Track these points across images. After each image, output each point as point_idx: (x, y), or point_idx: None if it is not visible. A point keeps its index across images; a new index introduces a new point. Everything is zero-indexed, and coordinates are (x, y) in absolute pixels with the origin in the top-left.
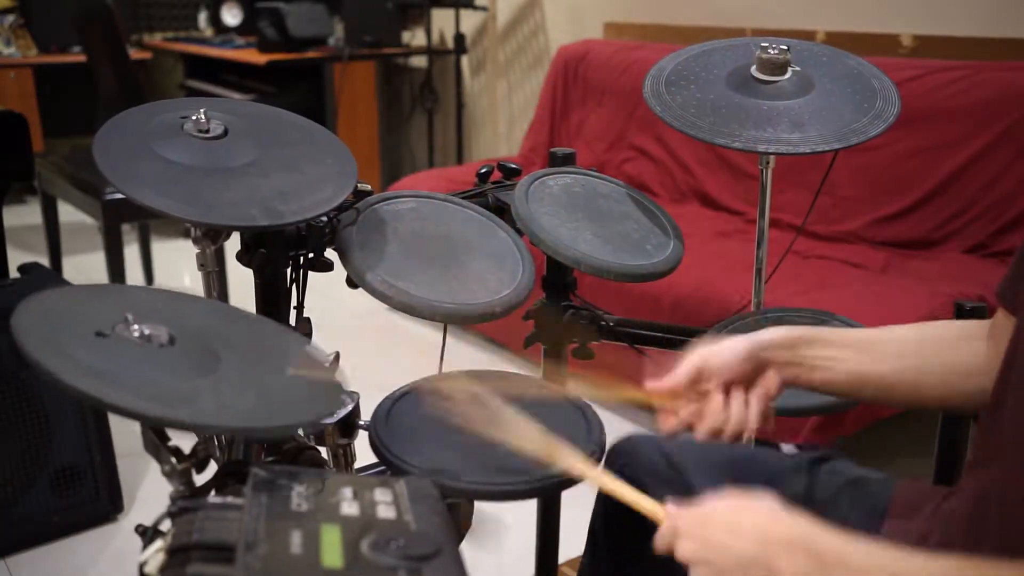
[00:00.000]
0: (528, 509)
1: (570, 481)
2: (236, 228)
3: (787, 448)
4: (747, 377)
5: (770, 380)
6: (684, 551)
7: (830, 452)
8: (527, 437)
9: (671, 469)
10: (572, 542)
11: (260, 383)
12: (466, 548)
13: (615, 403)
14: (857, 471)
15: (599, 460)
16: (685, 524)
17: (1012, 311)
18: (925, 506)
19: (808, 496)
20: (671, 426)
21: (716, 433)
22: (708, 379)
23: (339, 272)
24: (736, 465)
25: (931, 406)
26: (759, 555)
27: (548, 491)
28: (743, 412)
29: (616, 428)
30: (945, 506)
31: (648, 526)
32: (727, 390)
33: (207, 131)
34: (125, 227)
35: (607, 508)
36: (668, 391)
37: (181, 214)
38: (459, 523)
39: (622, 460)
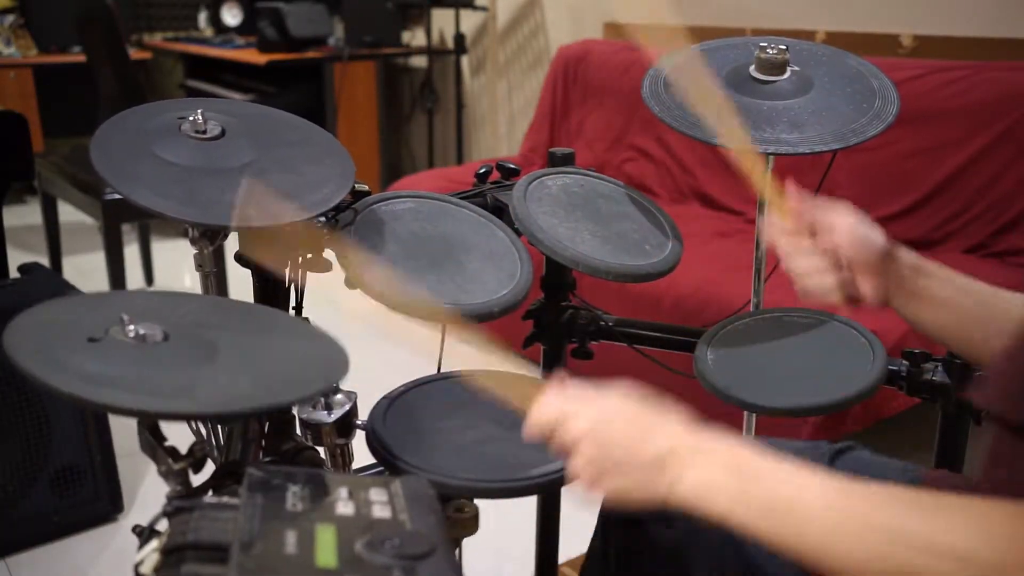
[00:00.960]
0: (528, 509)
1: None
2: (233, 229)
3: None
4: (869, 267)
5: (867, 284)
6: (580, 448)
7: (851, 443)
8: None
9: None
10: (572, 542)
11: (257, 366)
12: (466, 548)
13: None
14: (879, 460)
15: None
16: (586, 419)
17: None
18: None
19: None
20: (774, 232)
21: (800, 274)
22: (835, 239)
23: (338, 272)
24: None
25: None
26: (671, 455)
27: (548, 488)
28: (833, 284)
29: None
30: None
31: (656, 513)
32: (838, 261)
33: (204, 132)
34: (125, 227)
35: (606, 536)
36: (798, 216)
37: (179, 215)
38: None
39: None
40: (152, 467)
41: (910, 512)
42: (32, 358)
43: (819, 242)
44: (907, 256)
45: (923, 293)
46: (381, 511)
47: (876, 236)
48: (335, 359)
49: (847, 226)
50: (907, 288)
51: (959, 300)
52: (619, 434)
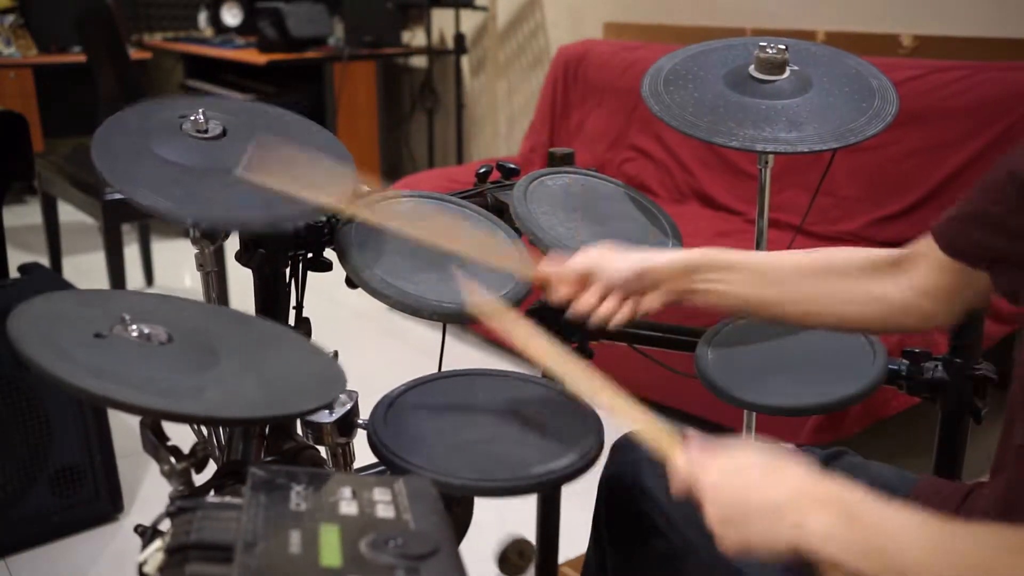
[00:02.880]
0: (528, 509)
1: (568, 476)
2: (236, 228)
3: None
4: (632, 291)
5: (652, 299)
6: (708, 487)
7: (843, 449)
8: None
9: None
10: (572, 542)
11: (261, 375)
12: (466, 548)
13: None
14: (871, 466)
15: (596, 458)
16: (715, 471)
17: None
18: (946, 504)
19: None
20: (555, 299)
21: (580, 314)
22: (596, 279)
23: (338, 272)
24: None
25: (820, 327)
26: (791, 504)
27: (547, 487)
28: (613, 311)
29: (615, 427)
30: (965, 506)
31: (651, 524)
32: (607, 291)
33: (205, 131)
34: (125, 227)
35: (609, 504)
36: (556, 275)
37: (179, 214)
38: (458, 523)
39: (624, 457)
40: (152, 467)
41: (1009, 554)
42: (39, 349)
43: (584, 283)
44: (676, 263)
45: (706, 285)
46: (385, 511)
47: (625, 261)
48: (331, 375)
49: (596, 266)
50: (688, 291)
51: (759, 270)
52: (741, 485)
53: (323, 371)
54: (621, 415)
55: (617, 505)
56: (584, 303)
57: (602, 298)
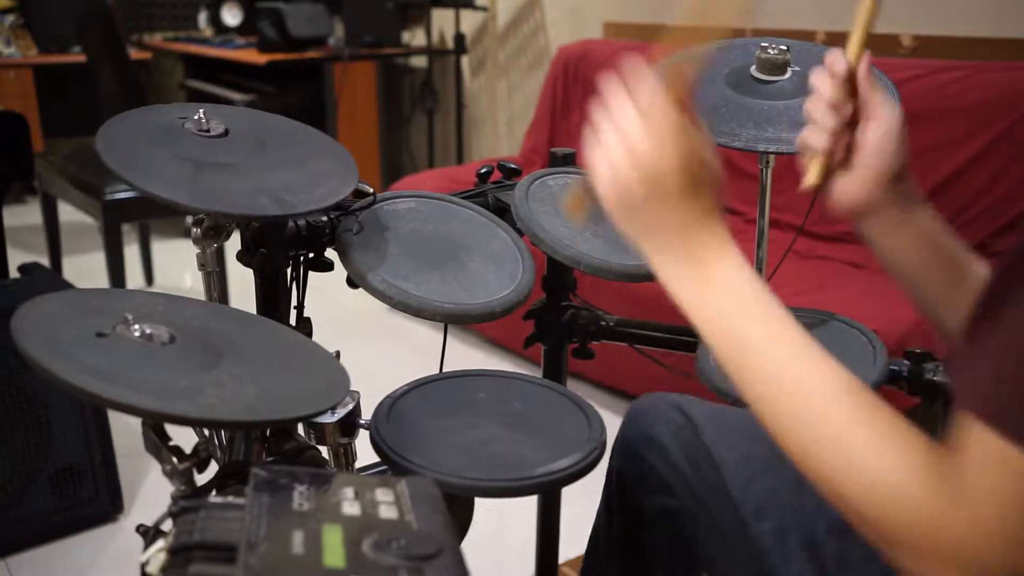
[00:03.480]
0: (528, 508)
1: (570, 477)
2: (247, 218)
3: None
4: (874, 165)
5: (862, 185)
6: (613, 150)
7: None
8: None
9: (689, 429)
10: (572, 542)
11: (262, 378)
12: (466, 548)
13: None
14: None
15: (599, 459)
16: (639, 136)
17: None
18: None
19: None
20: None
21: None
22: (866, 127)
23: (339, 272)
24: (754, 429)
25: (929, 316)
26: (674, 234)
27: (548, 487)
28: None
29: (616, 427)
30: None
31: (664, 484)
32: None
33: (208, 131)
34: (125, 227)
35: (623, 463)
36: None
37: (192, 204)
38: (458, 523)
39: (640, 419)
40: (152, 467)
41: (849, 412)
42: (41, 348)
43: (851, 125)
44: (909, 185)
45: (904, 231)
46: (387, 511)
47: (899, 158)
48: (336, 378)
49: (879, 129)
50: (889, 221)
51: (932, 251)
52: (661, 185)
53: (327, 375)
54: None
55: (631, 464)
56: (829, 120)
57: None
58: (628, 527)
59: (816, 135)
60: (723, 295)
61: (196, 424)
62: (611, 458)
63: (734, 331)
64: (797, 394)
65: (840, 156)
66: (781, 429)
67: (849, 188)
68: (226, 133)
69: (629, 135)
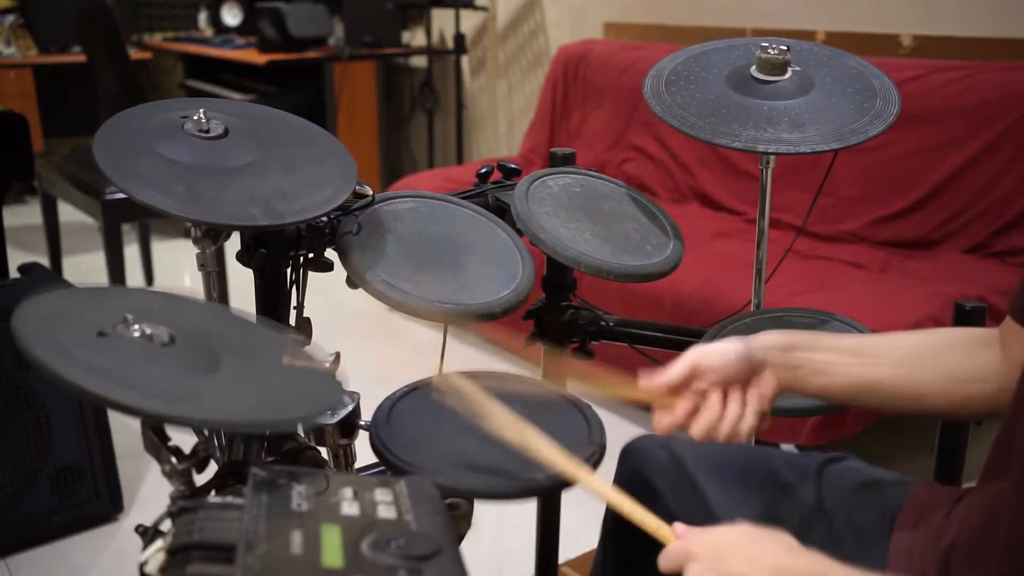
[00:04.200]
0: (528, 509)
1: (570, 482)
2: (236, 228)
3: (786, 449)
4: (742, 378)
5: (766, 382)
6: (695, 574)
7: (842, 453)
8: (522, 437)
9: (680, 471)
10: (572, 542)
11: (261, 381)
12: (466, 548)
13: (612, 400)
14: (869, 472)
15: (599, 462)
16: (699, 546)
17: None
18: (938, 509)
19: (818, 498)
20: (666, 424)
21: (711, 433)
22: (702, 378)
23: (339, 272)
24: (746, 467)
25: (932, 413)
26: None
27: (548, 491)
28: (739, 412)
29: (617, 429)
30: (957, 510)
31: (649, 571)
32: (724, 391)
33: (207, 131)
34: (125, 227)
35: (606, 545)
36: (663, 388)
37: (182, 212)
38: (458, 523)
39: (633, 462)
40: (152, 467)
41: None
42: (43, 347)
43: (694, 394)
44: (774, 340)
45: (813, 365)
46: (386, 511)
47: (728, 348)
48: (330, 387)
49: (698, 362)
50: (794, 368)
51: (862, 351)
52: (731, 557)
53: (324, 381)
54: (609, 501)
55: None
56: (708, 414)
57: (722, 404)
58: (624, 568)
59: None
60: None
61: (196, 426)
62: (607, 506)
63: None
64: None
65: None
66: None
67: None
68: (226, 133)
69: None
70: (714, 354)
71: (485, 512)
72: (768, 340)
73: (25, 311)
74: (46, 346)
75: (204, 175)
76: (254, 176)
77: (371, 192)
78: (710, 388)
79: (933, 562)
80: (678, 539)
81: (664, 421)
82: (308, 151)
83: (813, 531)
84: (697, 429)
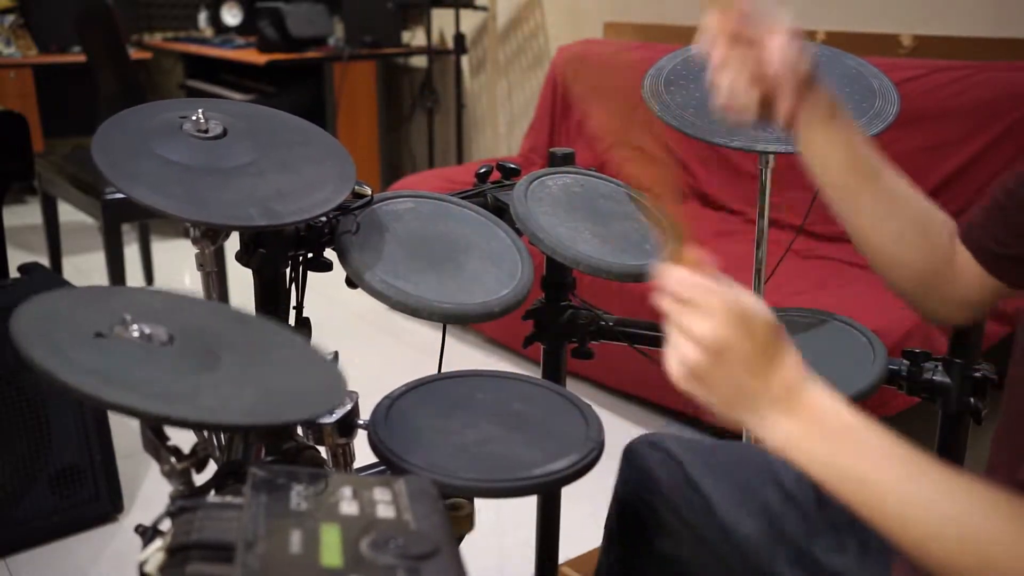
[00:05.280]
0: (528, 508)
1: (568, 478)
2: (234, 228)
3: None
4: (784, 77)
5: (781, 106)
6: (696, 330)
7: None
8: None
9: (681, 472)
10: (572, 542)
11: (261, 379)
12: (466, 548)
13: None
14: None
15: (596, 459)
16: (717, 309)
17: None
18: None
19: (820, 498)
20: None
21: (722, 69)
22: (763, 46)
23: (338, 272)
24: (746, 466)
25: (857, 242)
26: (766, 402)
27: (548, 488)
28: (748, 85)
29: (616, 427)
30: None
31: (666, 532)
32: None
33: (206, 131)
34: (125, 227)
35: (624, 511)
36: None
37: (179, 213)
38: (461, 524)
39: (636, 461)
40: (152, 467)
41: (996, 516)
42: (39, 348)
43: (751, 54)
44: (831, 96)
45: (833, 135)
46: (385, 511)
47: (804, 59)
48: (333, 383)
49: (779, 42)
50: (819, 123)
51: (859, 165)
52: (735, 359)
53: (324, 378)
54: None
55: (632, 511)
56: (734, 70)
57: (751, 78)
58: (630, 561)
59: (733, 86)
60: (825, 436)
61: (195, 427)
62: (611, 507)
63: (848, 470)
64: (927, 511)
65: (754, 72)
66: (922, 549)
67: (768, 108)
68: (224, 133)
69: (693, 331)
70: (794, 55)
71: (485, 511)
72: (829, 93)
73: (22, 314)
74: (42, 348)
75: (202, 175)
76: (252, 176)
77: (370, 192)
78: (758, 62)
79: None
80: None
81: (714, 38)
82: (306, 151)
83: (818, 534)
84: (728, 75)
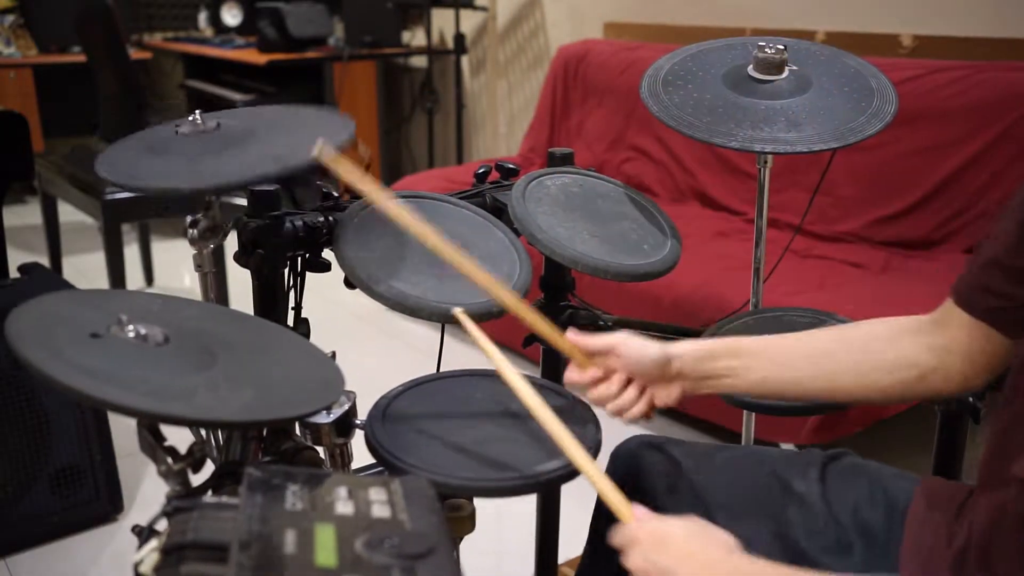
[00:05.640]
0: (528, 508)
1: (565, 477)
2: (248, 184)
3: (786, 448)
4: (651, 378)
5: (670, 391)
6: (632, 561)
7: (842, 450)
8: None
9: (676, 473)
10: (572, 542)
11: (256, 378)
12: (466, 548)
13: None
14: (873, 468)
15: (595, 457)
16: (643, 533)
17: (992, 323)
18: (948, 506)
19: (823, 499)
20: (573, 380)
21: (601, 403)
22: (617, 360)
23: (337, 272)
24: (746, 467)
25: (850, 402)
26: None
27: (547, 487)
28: (632, 400)
29: (613, 427)
30: (965, 512)
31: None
32: (629, 378)
33: (202, 132)
34: (125, 227)
35: (607, 512)
36: (582, 347)
37: (189, 186)
38: (463, 524)
39: (625, 463)
40: (152, 467)
41: None
42: (34, 348)
43: (606, 368)
44: (691, 350)
45: (722, 371)
46: (380, 510)
47: (649, 348)
48: (331, 378)
49: (619, 346)
50: (705, 378)
51: (776, 352)
52: (664, 560)
53: (321, 374)
54: (577, 461)
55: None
56: (604, 391)
57: (622, 386)
58: (616, 571)
59: (610, 402)
60: None
61: (191, 424)
62: (596, 505)
63: None
64: None
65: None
66: None
67: (648, 401)
68: (218, 127)
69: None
70: (635, 347)
71: (485, 511)
72: (685, 350)
73: (18, 316)
74: (38, 348)
75: (205, 156)
76: (256, 144)
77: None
78: (620, 370)
79: (945, 564)
80: (631, 523)
81: (573, 377)
82: (300, 118)
83: (823, 535)
84: (593, 395)
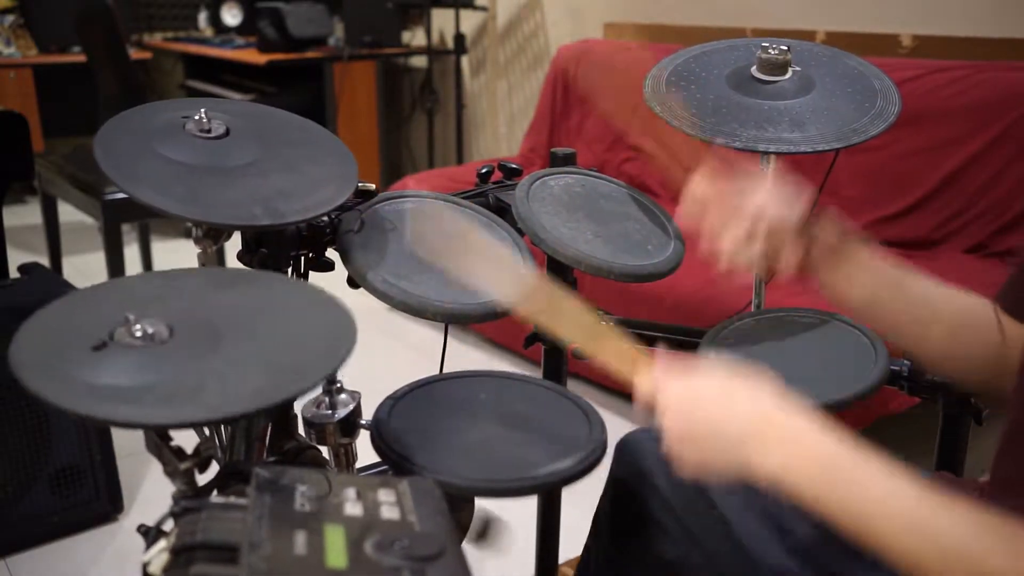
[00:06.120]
0: (528, 508)
1: (570, 478)
2: (237, 228)
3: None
4: (787, 220)
5: (795, 252)
6: (668, 422)
7: None
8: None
9: None
10: (572, 542)
11: (264, 351)
12: (466, 548)
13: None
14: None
15: (599, 459)
16: (672, 398)
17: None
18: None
19: None
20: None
21: (711, 230)
22: (760, 195)
23: (340, 272)
24: None
25: (925, 362)
26: (749, 437)
27: (549, 488)
28: (745, 243)
29: (616, 427)
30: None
31: (659, 526)
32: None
33: (209, 131)
34: (125, 227)
35: (616, 503)
36: (730, 160)
37: (182, 213)
38: (461, 524)
39: (629, 456)
40: (152, 467)
41: (988, 537)
42: (37, 376)
43: (742, 208)
44: (834, 223)
45: (849, 260)
46: (389, 512)
47: (798, 201)
48: (342, 327)
49: (769, 190)
50: (832, 254)
51: (884, 278)
52: (704, 410)
53: (331, 327)
54: (588, 334)
55: (624, 505)
56: (729, 230)
57: (749, 235)
58: (619, 566)
59: (731, 245)
60: (817, 459)
61: (203, 425)
62: (602, 498)
63: (845, 496)
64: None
65: (750, 231)
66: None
67: (774, 259)
68: (227, 133)
69: (663, 405)
70: (787, 199)
71: (485, 511)
72: (831, 231)
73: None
74: (44, 379)
75: (205, 175)
76: (255, 176)
77: (373, 187)
78: (759, 205)
79: None
80: (655, 377)
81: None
82: (309, 151)
83: (831, 542)
84: (725, 236)
